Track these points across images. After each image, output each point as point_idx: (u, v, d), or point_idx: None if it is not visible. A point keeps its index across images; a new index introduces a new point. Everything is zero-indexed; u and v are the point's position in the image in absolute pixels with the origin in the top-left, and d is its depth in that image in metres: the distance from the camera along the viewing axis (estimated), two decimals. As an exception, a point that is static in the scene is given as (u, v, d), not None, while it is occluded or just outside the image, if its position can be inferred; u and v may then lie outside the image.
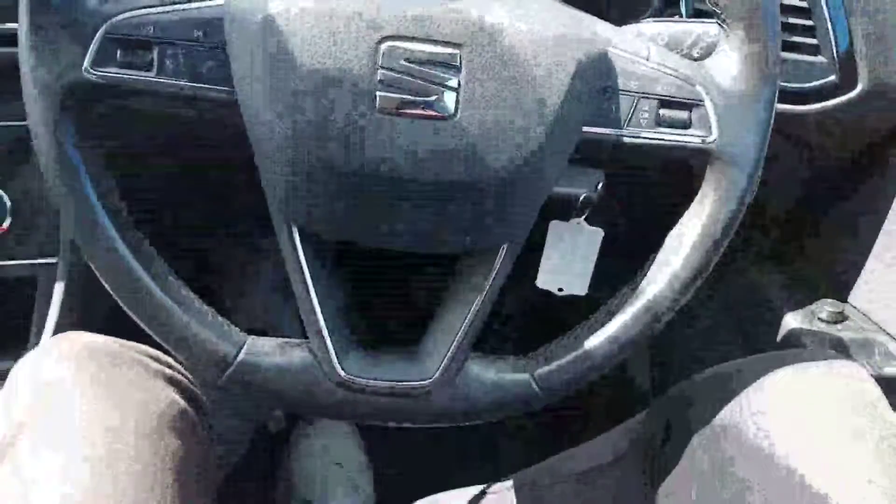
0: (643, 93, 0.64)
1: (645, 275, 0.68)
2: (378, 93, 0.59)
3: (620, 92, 0.64)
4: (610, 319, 0.68)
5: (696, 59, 0.74)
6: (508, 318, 1.38)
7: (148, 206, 0.76)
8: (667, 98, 0.64)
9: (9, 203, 0.91)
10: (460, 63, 0.60)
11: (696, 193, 0.68)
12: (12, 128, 0.91)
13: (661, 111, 0.65)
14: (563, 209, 0.93)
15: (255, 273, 1.41)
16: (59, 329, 0.96)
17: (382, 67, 0.59)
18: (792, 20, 0.91)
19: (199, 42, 0.61)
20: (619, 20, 0.88)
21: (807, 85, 0.92)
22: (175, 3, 0.61)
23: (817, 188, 1.08)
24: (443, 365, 0.66)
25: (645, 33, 0.79)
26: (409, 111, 0.60)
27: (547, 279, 1.00)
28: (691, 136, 0.65)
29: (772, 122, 0.65)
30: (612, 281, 0.79)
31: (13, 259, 0.95)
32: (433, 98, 0.60)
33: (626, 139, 0.65)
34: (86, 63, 0.59)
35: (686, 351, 1.21)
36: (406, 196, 0.62)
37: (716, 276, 0.68)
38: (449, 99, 0.60)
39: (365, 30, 0.59)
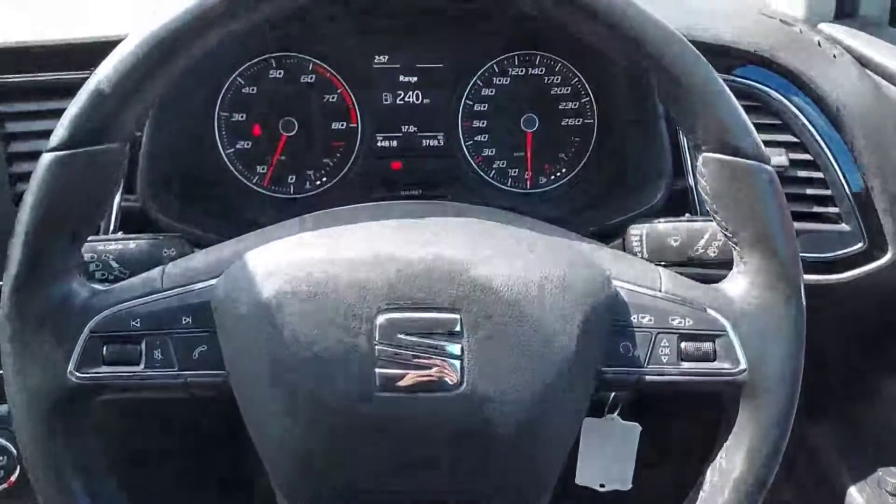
0: (660, 328, 0.60)
1: None
2: (377, 370, 0.56)
3: (635, 329, 0.60)
4: None
5: (711, 260, 0.72)
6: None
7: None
8: (686, 332, 0.61)
9: (16, 452, 0.89)
10: (461, 328, 0.57)
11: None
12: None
13: (683, 344, 0.61)
14: (596, 406, 0.89)
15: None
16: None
17: (380, 343, 0.56)
18: (810, 191, 0.88)
19: (189, 328, 0.58)
20: (629, 213, 0.86)
21: (835, 254, 0.88)
22: (163, 291, 0.59)
23: (862, 345, 1.02)
24: None
25: (659, 230, 0.77)
26: (410, 386, 0.56)
27: (586, 476, 0.95)
28: (718, 369, 0.61)
29: (803, 340, 0.61)
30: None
31: (25, 507, 0.92)
32: (435, 370, 0.56)
33: (648, 378, 0.61)
34: (70, 366, 0.57)
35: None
36: (415, 473, 0.58)
37: None
38: (452, 369, 0.56)
39: (358, 306, 0.56)
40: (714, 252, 0.74)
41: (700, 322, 0.61)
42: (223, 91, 0.96)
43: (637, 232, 0.78)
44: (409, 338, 0.56)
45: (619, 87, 0.96)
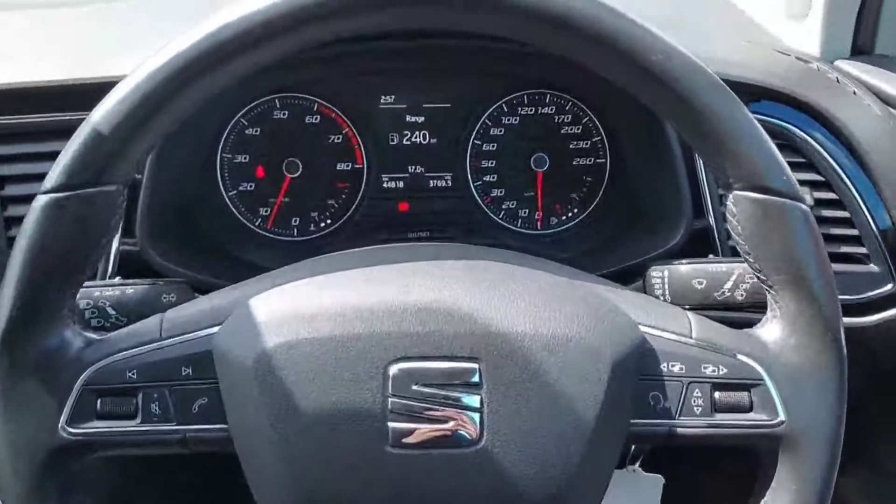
0: (692, 377, 0.57)
1: None
2: (389, 424, 0.52)
3: (665, 378, 0.56)
4: None
5: (739, 304, 0.68)
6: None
7: None
8: (720, 381, 0.57)
9: None
10: (480, 378, 0.53)
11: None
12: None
13: (717, 394, 0.57)
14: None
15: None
16: None
17: (393, 395, 0.53)
18: (834, 231, 0.85)
19: (188, 380, 0.55)
20: (646, 255, 0.83)
21: (863, 296, 0.84)
22: (162, 339, 0.55)
23: (891, 390, 0.98)
24: None
25: (681, 272, 0.73)
26: (425, 442, 0.52)
27: (606, 531, 0.89)
28: (755, 420, 0.57)
29: (846, 387, 0.57)
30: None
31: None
32: (452, 423, 0.52)
33: (680, 430, 0.57)
34: (62, 421, 0.53)
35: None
36: None
37: None
38: (471, 423, 0.53)
39: (369, 354, 0.53)
40: (742, 295, 0.70)
41: (734, 370, 0.57)
42: (226, 132, 0.94)
43: (658, 274, 0.74)
44: (424, 389, 0.53)
45: (632, 125, 0.93)
